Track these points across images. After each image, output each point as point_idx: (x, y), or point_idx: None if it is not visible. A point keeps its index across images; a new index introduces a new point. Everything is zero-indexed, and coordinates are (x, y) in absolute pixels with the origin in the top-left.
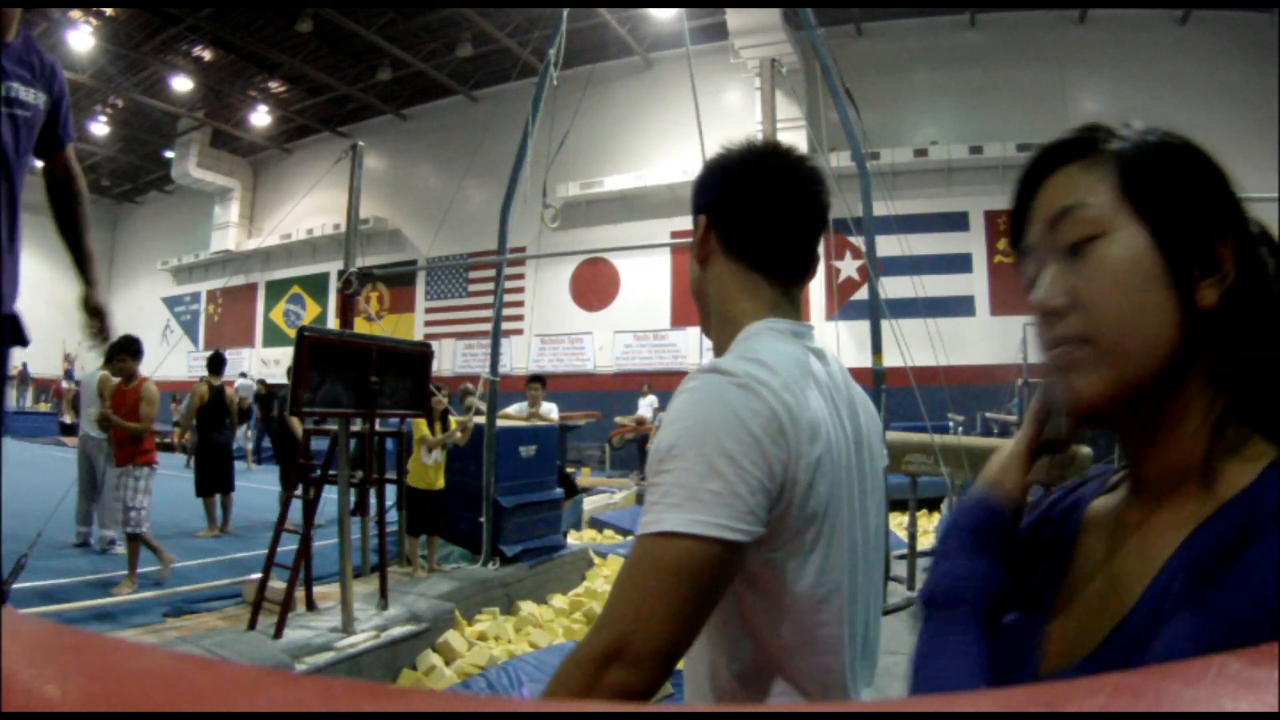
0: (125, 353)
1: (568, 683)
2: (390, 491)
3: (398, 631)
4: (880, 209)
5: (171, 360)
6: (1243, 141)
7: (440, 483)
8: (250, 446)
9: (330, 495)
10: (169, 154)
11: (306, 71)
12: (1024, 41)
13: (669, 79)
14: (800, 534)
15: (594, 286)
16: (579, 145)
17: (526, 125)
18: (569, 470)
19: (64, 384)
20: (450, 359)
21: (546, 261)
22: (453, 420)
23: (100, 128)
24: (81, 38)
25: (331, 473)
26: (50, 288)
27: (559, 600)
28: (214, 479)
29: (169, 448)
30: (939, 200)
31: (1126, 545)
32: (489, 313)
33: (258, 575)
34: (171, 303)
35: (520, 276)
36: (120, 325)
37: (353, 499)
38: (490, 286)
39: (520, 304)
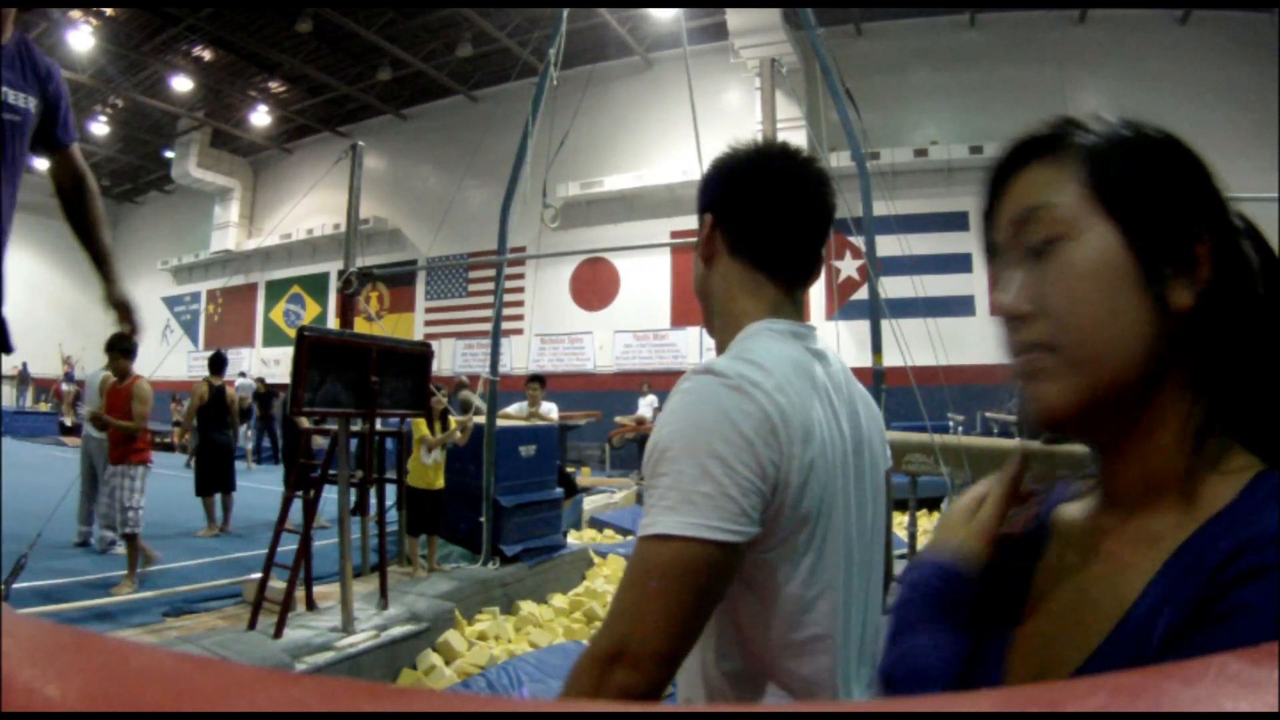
0: (117, 351)
1: (577, 684)
2: (390, 491)
3: (398, 631)
4: (880, 209)
5: (171, 360)
6: (1243, 141)
7: (440, 482)
8: (250, 446)
9: (330, 495)
10: (169, 154)
11: (306, 71)
12: (1024, 41)
13: (669, 79)
14: (793, 535)
15: (594, 286)
16: (579, 145)
17: (526, 125)
18: (569, 470)
19: (64, 386)
20: (450, 359)
21: (546, 261)
22: (452, 420)
23: (100, 128)
24: (81, 38)
25: (331, 472)
26: (50, 288)
27: (559, 600)
28: (215, 478)
29: (169, 447)
30: (939, 200)
31: (1098, 557)
32: (489, 312)
33: (258, 575)
34: (171, 302)
35: (520, 276)
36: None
37: (353, 499)
38: (490, 286)
39: (520, 304)
